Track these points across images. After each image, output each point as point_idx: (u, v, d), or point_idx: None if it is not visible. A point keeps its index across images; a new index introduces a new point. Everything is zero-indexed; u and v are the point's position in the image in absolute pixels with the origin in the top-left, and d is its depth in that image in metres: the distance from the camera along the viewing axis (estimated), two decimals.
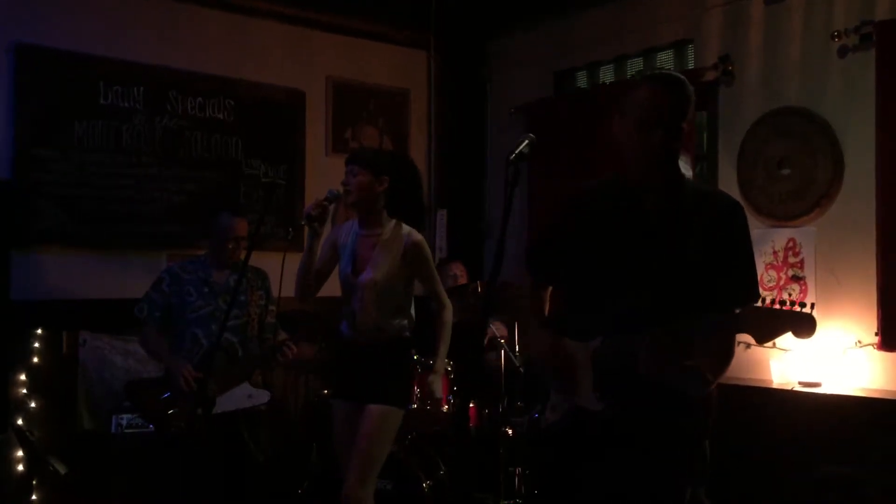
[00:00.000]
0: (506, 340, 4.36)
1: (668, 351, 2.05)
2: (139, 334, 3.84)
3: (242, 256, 3.50)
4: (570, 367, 2.29)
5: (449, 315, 3.46)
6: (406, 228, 3.36)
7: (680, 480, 2.24)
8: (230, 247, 3.73)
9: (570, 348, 2.30)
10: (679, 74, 2.27)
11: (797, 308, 2.00)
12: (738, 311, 2.09)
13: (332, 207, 3.35)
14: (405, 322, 3.39)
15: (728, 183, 4.55)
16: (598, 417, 2.22)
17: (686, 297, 2.13)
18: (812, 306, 2.06)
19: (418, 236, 3.36)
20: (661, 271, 2.18)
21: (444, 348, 3.45)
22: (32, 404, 4.27)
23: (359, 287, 3.31)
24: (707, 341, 2.12)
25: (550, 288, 2.53)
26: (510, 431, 4.27)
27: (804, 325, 2.00)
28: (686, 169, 3.40)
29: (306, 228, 3.33)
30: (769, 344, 4.30)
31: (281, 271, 3.21)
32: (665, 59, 5.04)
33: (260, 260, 3.82)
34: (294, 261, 3.35)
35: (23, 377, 4.27)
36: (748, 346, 4.30)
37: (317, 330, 4.15)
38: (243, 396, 3.64)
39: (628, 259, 2.23)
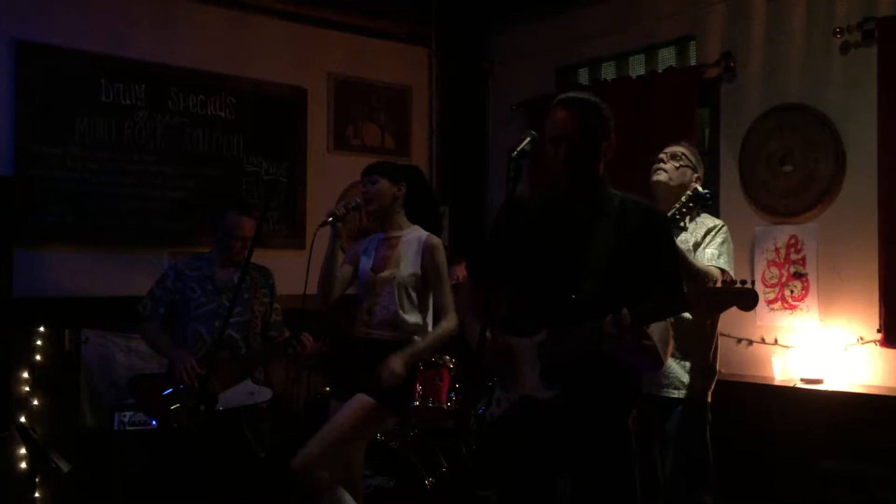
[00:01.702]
0: None
1: (629, 335, 2.24)
2: (141, 330, 3.84)
3: (244, 254, 3.52)
4: (512, 361, 2.45)
5: (448, 324, 3.34)
6: (424, 231, 3.43)
7: (628, 448, 2.46)
8: (237, 245, 3.73)
9: (511, 344, 2.45)
10: (590, 97, 2.45)
11: (738, 285, 2.20)
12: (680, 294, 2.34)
13: (353, 215, 3.44)
14: (419, 324, 3.38)
15: (730, 179, 4.56)
16: (546, 404, 2.38)
17: (618, 293, 2.34)
18: (753, 283, 2.21)
19: (436, 239, 3.41)
20: (593, 271, 2.38)
21: (423, 344, 3.33)
22: (35, 402, 4.28)
23: (378, 282, 3.35)
24: (653, 327, 2.36)
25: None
26: None
27: (747, 299, 2.18)
28: (697, 163, 3.41)
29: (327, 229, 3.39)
30: (771, 341, 4.34)
31: (307, 269, 3.23)
32: (667, 56, 5.04)
33: (262, 257, 3.82)
34: (296, 259, 3.37)
35: (25, 375, 4.28)
36: (750, 342, 4.33)
37: (322, 328, 4.16)
38: (245, 393, 3.65)
39: (564, 261, 2.42)
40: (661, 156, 3.40)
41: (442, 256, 3.40)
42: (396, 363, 3.26)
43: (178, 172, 4.87)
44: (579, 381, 2.37)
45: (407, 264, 3.34)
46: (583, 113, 2.40)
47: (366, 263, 3.42)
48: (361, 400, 3.26)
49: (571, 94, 2.46)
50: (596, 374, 2.38)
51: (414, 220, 3.47)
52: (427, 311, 3.44)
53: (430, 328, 3.43)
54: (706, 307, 2.25)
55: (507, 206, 2.58)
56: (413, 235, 3.41)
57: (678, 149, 3.41)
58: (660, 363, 2.41)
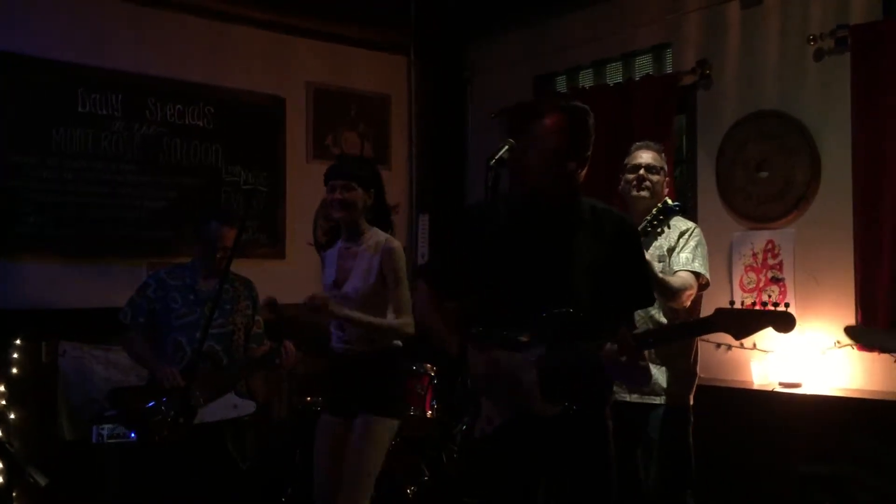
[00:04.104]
0: None
1: (627, 352, 2.24)
2: (122, 339, 3.80)
3: (225, 263, 3.52)
4: (509, 377, 2.38)
5: (400, 323, 3.25)
6: (383, 235, 3.35)
7: (610, 446, 2.49)
8: (217, 256, 3.71)
9: (508, 358, 2.38)
10: (583, 105, 2.41)
11: (771, 307, 2.21)
12: (711, 312, 2.29)
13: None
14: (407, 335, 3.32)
15: (707, 185, 4.59)
16: (549, 420, 2.34)
17: (607, 303, 2.36)
18: (787, 306, 2.22)
19: (395, 243, 3.32)
20: (584, 282, 2.37)
21: (365, 318, 3.21)
22: (12, 415, 4.23)
23: (342, 298, 3.28)
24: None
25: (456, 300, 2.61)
26: None
27: (784, 321, 2.17)
28: (663, 161, 3.43)
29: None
30: (749, 344, 4.38)
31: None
32: (643, 64, 5.08)
33: (241, 266, 3.81)
34: (275, 268, 3.36)
35: (2, 388, 4.23)
36: (729, 347, 4.36)
37: (304, 338, 4.14)
38: (229, 406, 3.62)
39: (551, 272, 2.38)
40: (641, 172, 3.37)
41: (400, 258, 3.30)
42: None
43: (157, 182, 4.84)
44: (579, 394, 2.36)
45: (367, 274, 3.26)
46: (580, 122, 2.38)
47: (329, 276, 3.36)
48: (361, 424, 3.23)
49: (571, 103, 2.42)
50: (592, 385, 2.39)
51: (372, 219, 3.37)
52: (398, 311, 3.33)
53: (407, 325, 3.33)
54: (737, 328, 2.23)
55: (478, 210, 2.56)
56: (372, 241, 3.31)
57: (650, 159, 3.40)
58: (649, 379, 2.44)
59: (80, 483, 4.11)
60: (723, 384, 4.24)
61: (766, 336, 4.21)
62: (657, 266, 3.22)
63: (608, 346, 2.24)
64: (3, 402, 4.23)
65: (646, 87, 4.82)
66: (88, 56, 4.63)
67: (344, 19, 5.55)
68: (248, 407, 3.68)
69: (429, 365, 4.36)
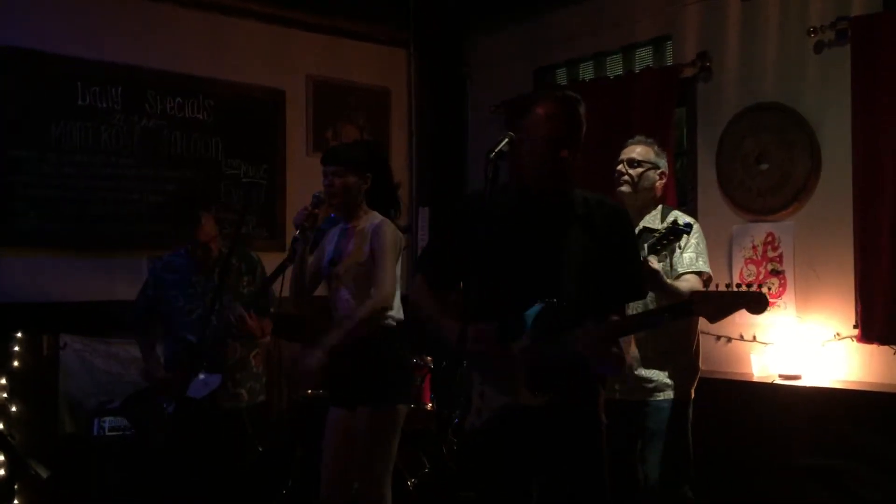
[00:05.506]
0: None
1: (599, 339, 2.27)
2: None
3: (216, 251, 3.59)
4: (509, 366, 2.37)
5: (370, 305, 3.19)
6: (379, 217, 3.35)
7: (602, 442, 2.46)
8: (202, 241, 3.67)
9: (511, 348, 2.37)
10: (573, 94, 2.43)
11: (744, 289, 2.20)
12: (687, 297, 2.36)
13: (319, 211, 3.36)
14: (387, 311, 3.30)
15: (707, 178, 4.59)
16: (535, 411, 2.34)
17: (595, 295, 2.36)
18: (759, 287, 2.21)
19: (387, 224, 3.32)
20: (573, 274, 2.36)
21: (345, 328, 3.20)
22: (13, 408, 4.25)
23: (335, 276, 3.32)
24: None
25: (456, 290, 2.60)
26: None
27: (757, 302, 2.17)
28: (657, 156, 3.41)
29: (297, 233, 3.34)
30: (750, 337, 4.37)
31: (282, 280, 3.29)
32: (644, 56, 5.07)
33: None
34: (275, 261, 3.37)
35: (3, 381, 4.25)
36: (729, 339, 4.36)
37: (300, 332, 4.14)
38: (200, 384, 3.58)
39: (542, 264, 2.38)
40: (619, 167, 3.34)
41: (386, 235, 3.27)
42: (315, 357, 3.19)
43: (156, 176, 4.85)
44: (565, 384, 2.35)
45: (359, 254, 3.28)
46: (571, 110, 2.37)
47: (327, 255, 3.38)
48: (365, 417, 3.20)
49: (563, 92, 2.42)
50: (578, 376, 2.38)
51: (373, 203, 3.38)
52: (377, 286, 3.28)
53: (399, 304, 3.33)
54: (712, 312, 2.23)
55: (470, 201, 2.55)
56: (369, 224, 3.32)
57: (633, 153, 3.37)
58: (623, 367, 2.43)
59: (81, 475, 4.13)
60: (723, 376, 4.24)
61: (767, 328, 4.25)
62: (657, 266, 3.19)
63: (582, 331, 2.25)
64: (5, 395, 4.25)
65: (646, 80, 4.81)
66: (88, 49, 4.63)
67: (344, 13, 5.56)
68: (216, 380, 3.60)
69: (429, 357, 4.36)
